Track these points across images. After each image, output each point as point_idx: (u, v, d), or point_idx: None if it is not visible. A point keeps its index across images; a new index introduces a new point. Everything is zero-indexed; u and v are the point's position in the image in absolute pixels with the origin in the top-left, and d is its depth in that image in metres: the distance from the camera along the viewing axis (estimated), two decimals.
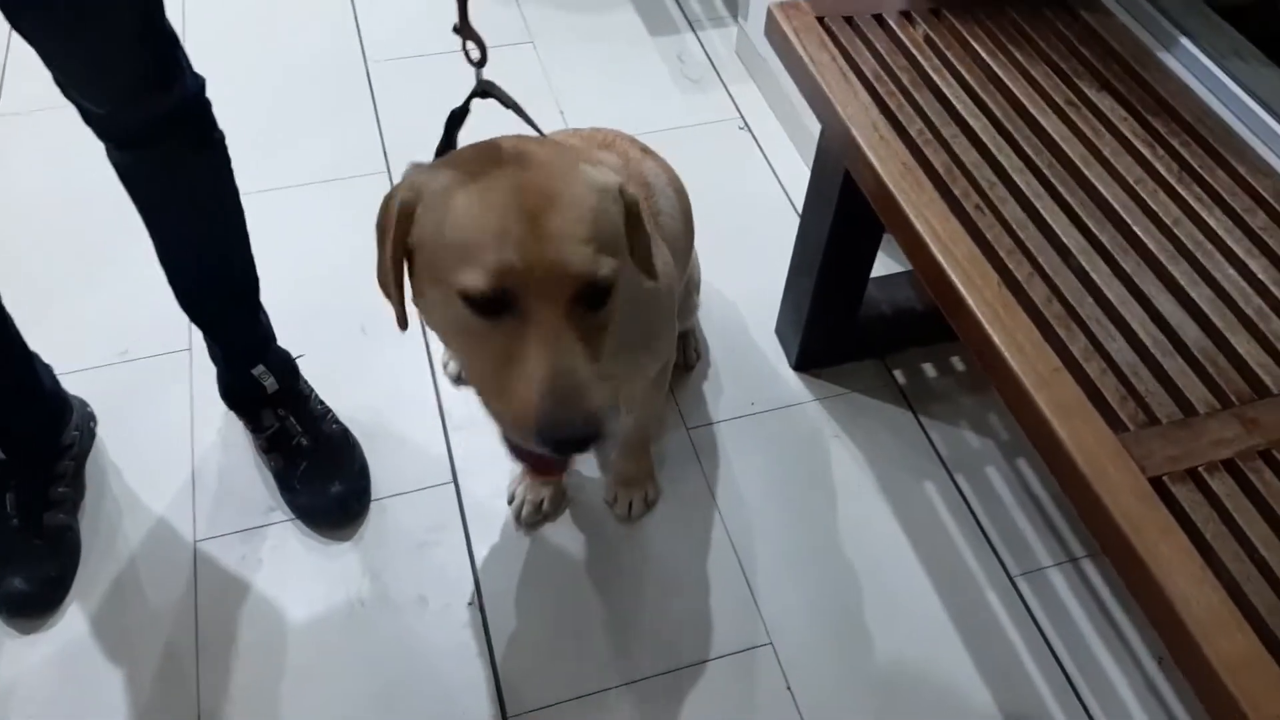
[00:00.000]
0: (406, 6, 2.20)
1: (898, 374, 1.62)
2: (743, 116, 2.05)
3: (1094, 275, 1.06)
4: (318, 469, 1.43)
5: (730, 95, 2.10)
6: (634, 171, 1.17)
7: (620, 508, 1.43)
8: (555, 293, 0.78)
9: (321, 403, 1.50)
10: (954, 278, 1.06)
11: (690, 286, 1.48)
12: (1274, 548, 0.87)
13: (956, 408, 1.57)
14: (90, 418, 1.51)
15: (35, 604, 1.33)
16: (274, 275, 1.44)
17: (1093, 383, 0.98)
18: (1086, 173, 1.17)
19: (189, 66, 1.16)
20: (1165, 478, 0.91)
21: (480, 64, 1.04)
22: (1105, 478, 0.90)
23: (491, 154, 0.85)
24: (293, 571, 1.37)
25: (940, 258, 1.08)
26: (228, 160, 1.26)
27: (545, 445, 0.79)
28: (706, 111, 2.06)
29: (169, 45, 1.12)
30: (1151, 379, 0.98)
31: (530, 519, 1.42)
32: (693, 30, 2.25)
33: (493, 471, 1.47)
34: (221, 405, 1.52)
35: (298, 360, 1.49)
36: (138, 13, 1.06)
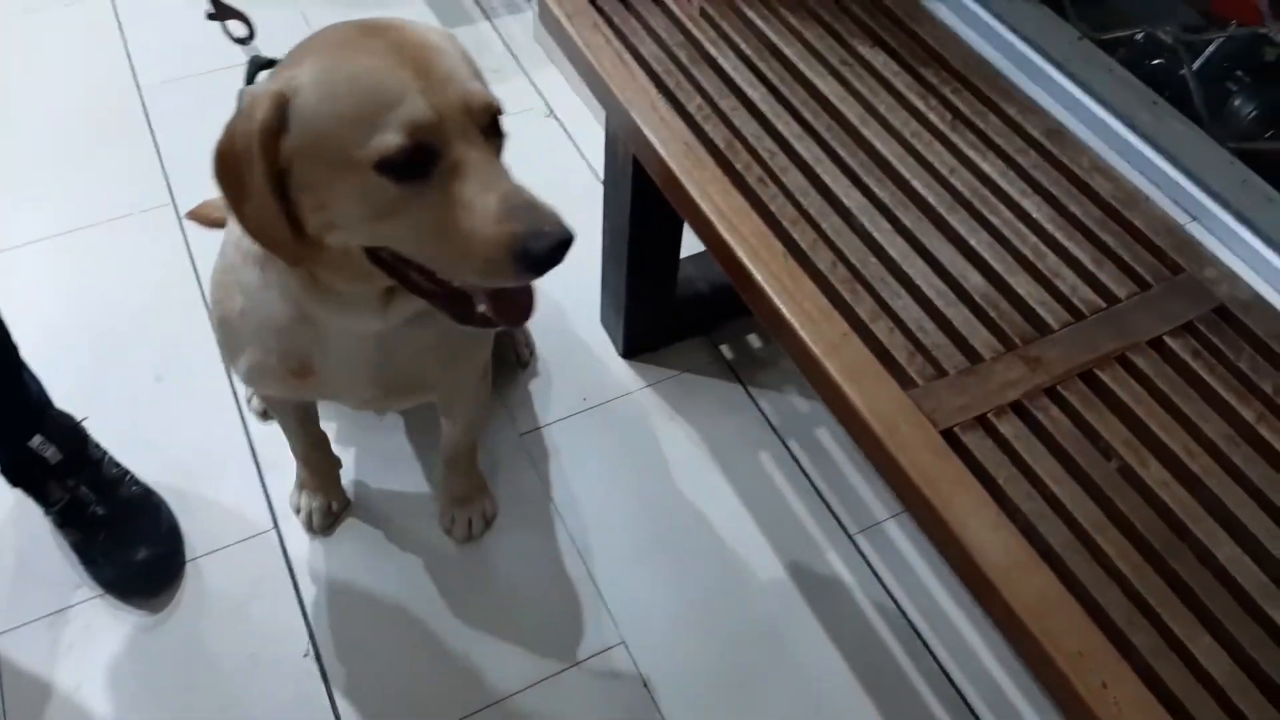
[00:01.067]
0: (179, 21, 2.06)
1: (724, 349, 1.61)
2: (548, 103, 2.01)
3: (876, 235, 1.07)
4: (120, 537, 1.32)
5: (533, 83, 2.05)
6: None
7: (459, 530, 1.37)
8: (469, 130, 0.79)
9: (117, 465, 1.38)
10: (740, 254, 1.05)
11: None
12: (1064, 482, 0.88)
13: (782, 373, 1.57)
14: None
15: None
16: (49, 333, 1.32)
17: (881, 343, 0.98)
18: (864, 132, 1.17)
19: None
20: (956, 428, 0.91)
21: (247, 40, 0.97)
22: (898, 436, 0.90)
23: (341, 32, 0.82)
24: (108, 653, 1.27)
25: (726, 235, 1.06)
26: None
27: (530, 265, 0.79)
28: (511, 101, 1.97)
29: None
30: (937, 331, 0.99)
31: (322, 523, 1.37)
32: (488, 19, 2.19)
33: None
34: (11, 492, 1.39)
35: (83, 423, 1.36)
36: None
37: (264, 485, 1.42)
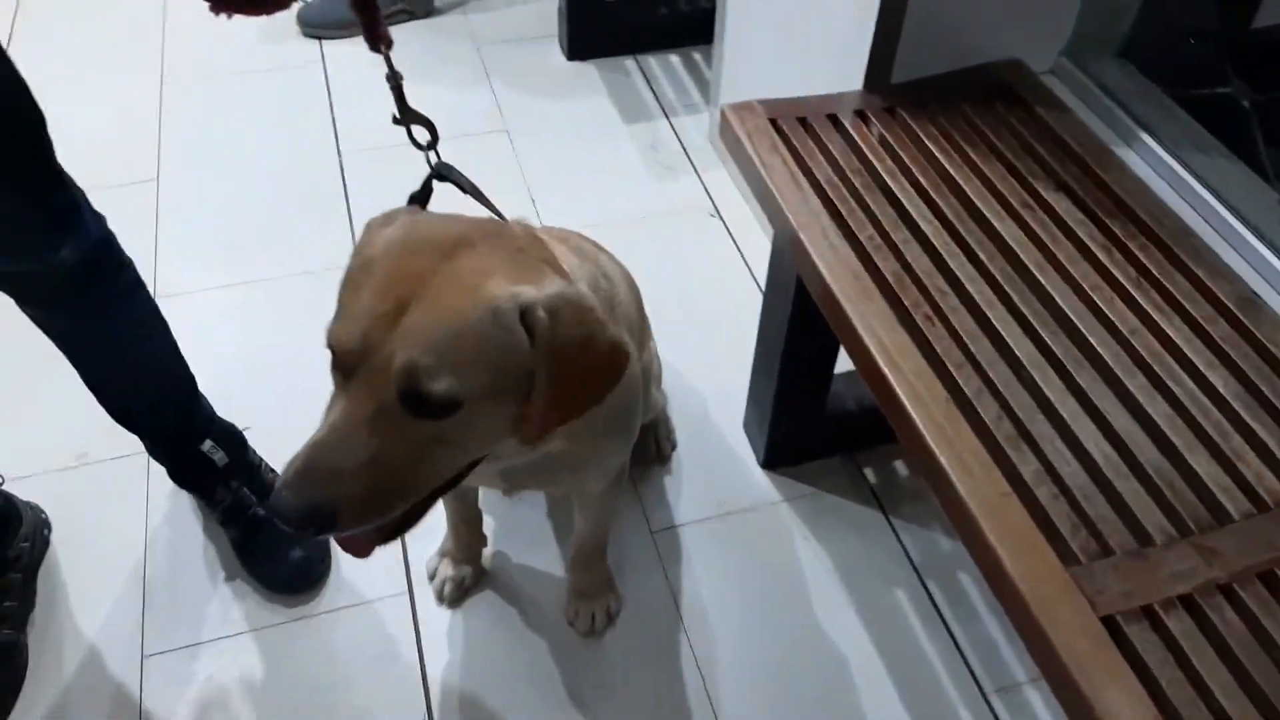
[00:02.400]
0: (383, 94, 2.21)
1: (868, 472, 1.58)
2: (714, 203, 2.04)
3: (1047, 390, 1.03)
4: (276, 537, 1.41)
5: (702, 182, 2.09)
6: (592, 265, 1.13)
7: (582, 623, 1.38)
8: (378, 381, 0.76)
9: (273, 470, 1.49)
10: (900, 393, 1.03)
11: (648, 380, 1.45)
12: (1234, 696, 0.82)
13: (927, 508, 1.52)
14: (44, 525, 1.48)
15: None
16: (222, 366, 1.42)
17: (1043, 509, 0.94)
18: (1041, 280, 1.14)
19: (88, 209, 1.13)
20: (1118, 616, 0.86)
21: (430, 146, 1.02)
22: (1054, 615, 0.86)
23: (435, 229, 0.83)
24: (235, 693, 1.33)
25: (887, 371, 1.05)
26: (145, 292, 1.26)
27: (270, 511, 0.78)
28: (678, 198, 2.05)
29: (64, 193, 1.09)
30: (1105, 505, 0.94)
31: (453, 596, 1.41)
32: (666, 117, 2.26)
33: None
34: (177, 512, 1.50)
35: (245, 432, 1.49)
36: (27, 166, 1.03)
37: (405, 549, 1.47)
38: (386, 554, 1.45)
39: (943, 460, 0.97)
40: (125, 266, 1.23)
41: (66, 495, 1.52)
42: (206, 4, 0.88)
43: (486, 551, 1.46)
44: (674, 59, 2.42)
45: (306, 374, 1.63)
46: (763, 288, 1.85)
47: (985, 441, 0.99)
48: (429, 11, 2.54)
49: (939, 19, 1.37)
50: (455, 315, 0.77)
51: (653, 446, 1.59)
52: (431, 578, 1.43)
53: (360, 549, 0.86)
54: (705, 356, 1.73)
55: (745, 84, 1.97)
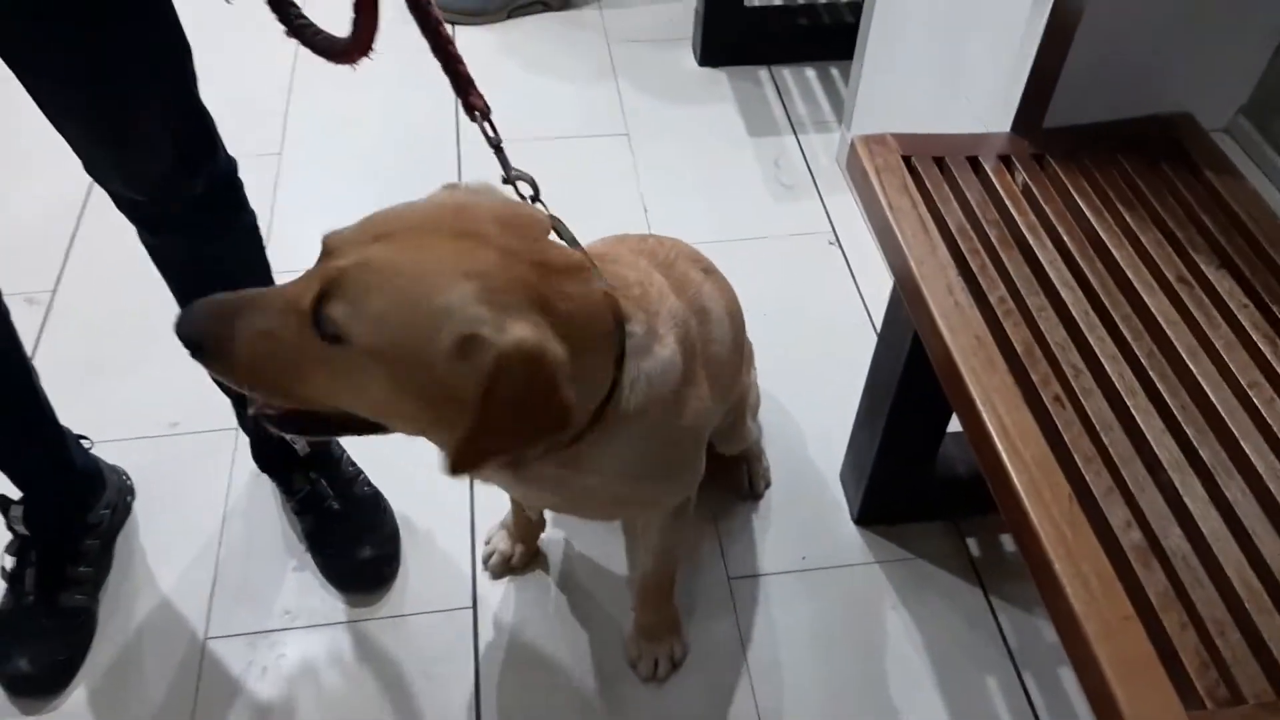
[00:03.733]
0: (505, 85, 2.19)
1: (971, 543, 1.46)
2: (834, 230, 1.94)
3: (1187, 501, 0.91)
4: (349, 532, 1.41)
5: (824, 206, 1.99)
6: (694, 300, 1.06)
7: (644, 667, 1.31)
8: (314, 280, 0.77)
9: (353, 464, 1.48)
10: (1018, 483, 0.92)
11: (742, 411, 1.38)
12: None
13: (1033, 592, 1.39)
14: (128, 492, 1.50)
15: (38, 687, 1.31)
16: None
17: (1169, 639, 0.82)
18: (1192, 367, 1.01)
19: (222, 148, 1.15)
20: None
21: (534, 199, 0.96)
22: None
23: (470, 210, 0.81)
24: (293, 684, 1.31)
25: (1005, 455, 0.95)
26: (258, 238, 1.27)
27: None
28: (797, 221, 1.96)
29: (201, 129, 1.11)
30: (1242, 644, 0.82)
31: (497, 569, 1.41)
32: (794, 133, 2.16)
33: (515, 602, 1.39)
34: (256, 494, 1.50)
35: None
36: (174, 91, 1.05)
37: (474, 562, 1.44)
38: (454, 567, 1.43)
39: (1058, 568, 0.87)
40: (245, 209, 1.24)
41: (154, 462, 1.54)
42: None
43: (545, 535, 1.43)
44: (809, 72, 2.32)
45: None
46: (878, 330, 1.75)
47: (1109, 551, 0.88)
48: (565, 4, 2.50)
49: (1105, 62, 1.24)
50: (403, 279, 0.75)
51: (745, 481, 1.52)
52: (486, 542, 1.43)
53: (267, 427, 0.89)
54: (808, 394, 1.64)
55: (882, 107, 1.86)
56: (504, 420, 0.76)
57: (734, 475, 1.51)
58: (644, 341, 0.89)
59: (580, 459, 0.91)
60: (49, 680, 1.31)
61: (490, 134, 0.97)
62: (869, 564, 1.44)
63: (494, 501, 1.47)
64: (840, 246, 1.91)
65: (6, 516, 1.34)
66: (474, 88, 0.97)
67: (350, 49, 0.96)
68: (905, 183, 1.21)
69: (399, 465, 1.53)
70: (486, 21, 2.44)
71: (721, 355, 1.11)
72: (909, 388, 1.32)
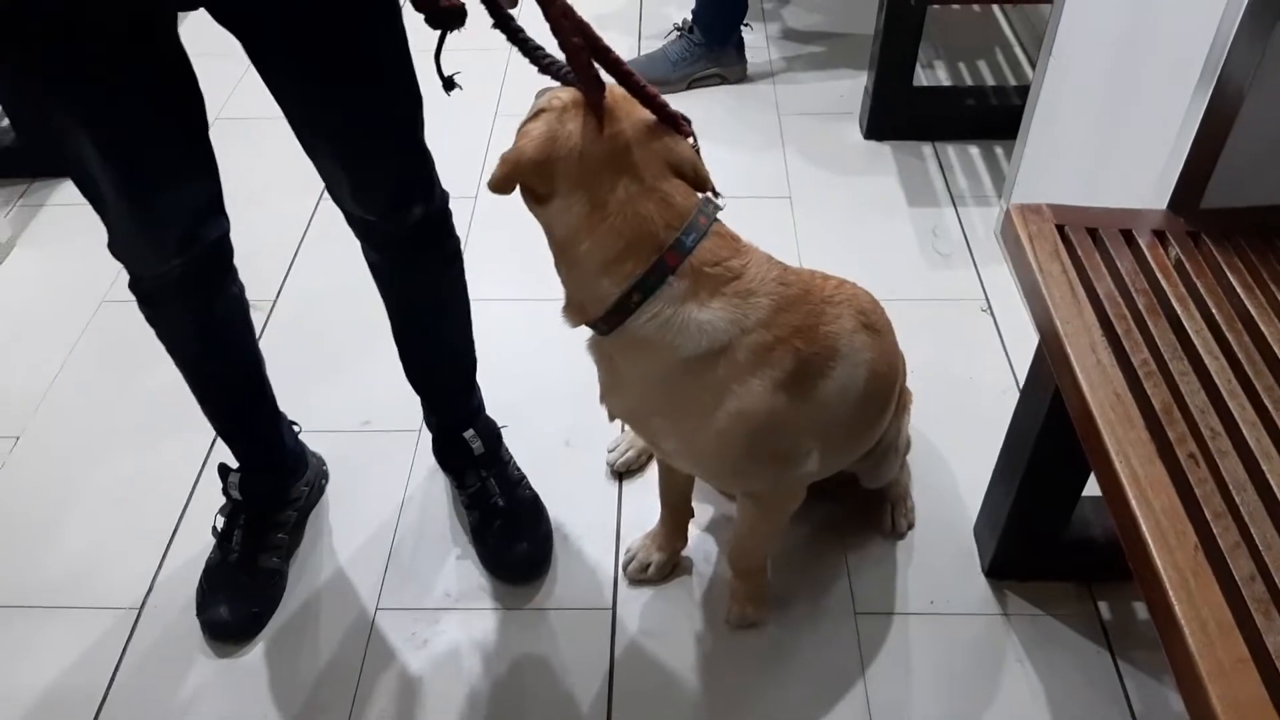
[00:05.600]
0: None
1: (1102, 606, 1.48)
2: (988, 299, 2.00)
3: None
4: (509, 528, 1.57)
5: (979, 275, 2.05)
6: (825, 337, 1.19)
7: (729, 613, 1.47)
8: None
9: (519, 469, 1.64)
10: (1145, 530, 0.97)
11: (888, 449, 1.46)
12: None
13: (1163, 660, 1.39)
14: (323, 475, 1.70)
15: (231, 633, 1.49)
16: (505, 369, 1.59)
17: None
18: None
19: (439, 183, 1.34)
20: None
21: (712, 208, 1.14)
22: None
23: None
24: (446, 660, 1.46)
25: (1135, 504, 1.00)
26: (462, 265, 1.45)
27: None
28: (950, 287, 2.03)
29: (427, 164, 1.30)
30: None
31: (634, 575, 1.53)
32: (953, 205, 2.24)
33: (653, 609, 1.49)
34: (431, 488, 1.67)
35: (502, 429, 1.64)
36: (406, 137, 1.24)
37: (616, 566, 1.55)
38: (598, 572, 1.55)
39: (1178, 610, 0.91)
40: (453, 238, 1.41)
41: (347, 453, 1.74)
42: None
43: (687, 550, 1.55)
44: (973, 150, 2.39)
45: (563, 397, 1.77)
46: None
47: (1231, 601, 0.91)
48: (741, 78, 2.67)
49: (1266, 147, 1.28)
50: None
51: (887, 519, 1.59)
52: (629, 550, 1.55)
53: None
54: (949, 446, 1.70)
55: (1041, 184, 1.92)
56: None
57: (876, 511, 1.59)
58: (677, 294, 1.08)
59: (615, 354, 1.16)
60: (241, 629, 1.50)
61: (695, 145, 1.14)
62: (997, 615, 1.47)
63: (640, 516, 1.59)
64: (992, 314, 1.96)
65: (225, 482, 1.55)
66: (679, 116, 1.12)
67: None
68: (1057, 248, 1.28)
69: (558, 476, 1.67)
70: (667, 90, 2.63)
71: (840, 397, 1.22)
72: (1047, 444, 1.37)
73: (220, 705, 1.42)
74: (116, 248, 1.24)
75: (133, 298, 1.32)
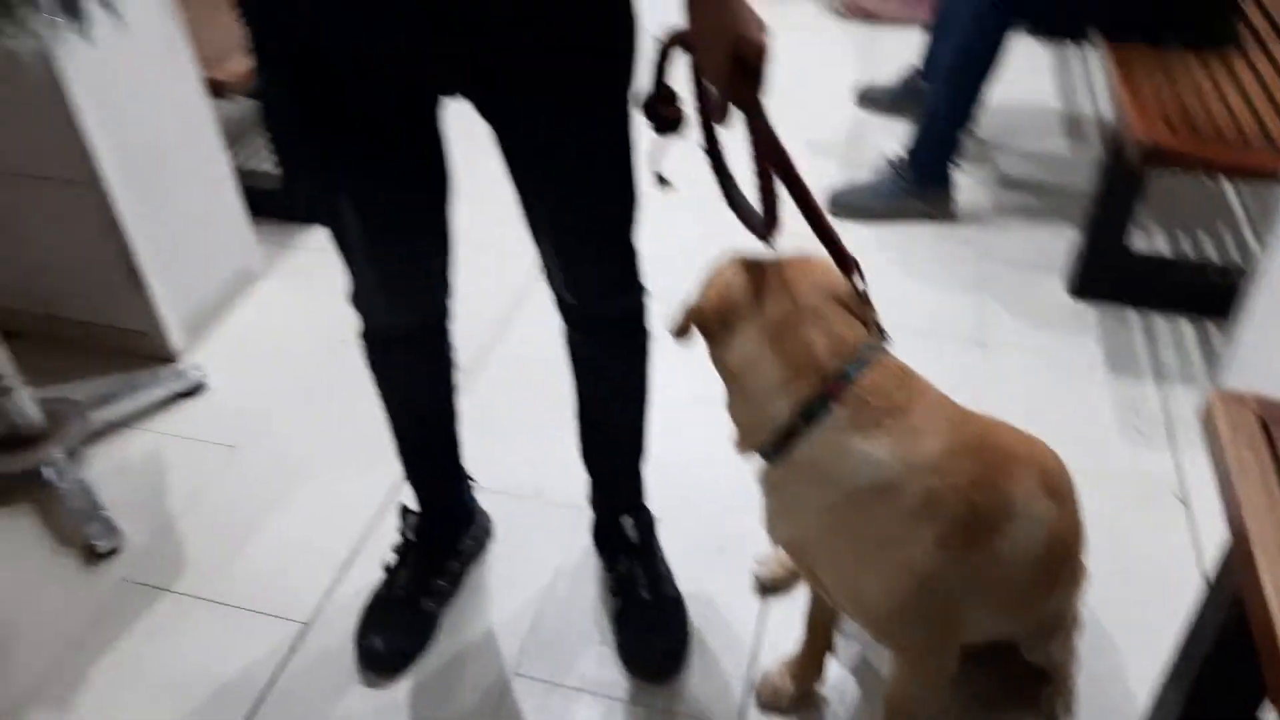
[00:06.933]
0: (881, 279, 2.38)
1: None
2: (1183, 485, 1.90)
3: None
4: (649, 622, 1.60)
5: (1175, 459, 1.96)
6: (998, 494, 1.17)
7: None
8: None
9: (667, 565, 1.67)
10: None
11: (1057, 621, 1.41)
12: None
13: None
14: (488, 533, 1.80)
15: (382, 666, 1.60)
16: (678, 463, 1.67)
17: None
18: None
19: (643, 277, 1.42)
20: None
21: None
22: None
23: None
24: None
25: None
26: (650, 357, 1.52)
27: None
28: (1144, 467, 1.94)
29: (635, 261, 1.39)
30: None
31: (766, 701, 1.52)
32: (1157, 380, 2.15)
33: None
34: (584, 566, 1.74)
35: (658, 522, 1.69)
36: (622, 234, 1.34)
37: (749, 684, 1.56)
38: (730, 687, 1.56)
39: None
40: (648, 333, 1.49)
41: (514, 517, 1.83)
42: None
43: (826, 688, 1.52)
44: (1184, 323, 2.30)
45: (725, 502, 1.81)
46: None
47: None
48: (946, 217, 2.69)
49: None
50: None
51: (1045, 702, 1.51)
52: (764, 675, 1.55)
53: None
54: (1123, 633, 1.62)
55: (1256, 372, 1.83)
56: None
57: (1033, 689, 1.51)
58: (840, 422, 1.10)
59: (781, 482, 1.19)
60: (392, 664, 1.60)
61: (861, 285, 1.18)
62: None
63: (781, 637, 1.60)
64: (1186, 505, 1.86)
65: (403, 522, 1.67)
66: (850, 257, 1.18)
67: (767, 224, 1.18)
68: (1254, 439, 1.23)
69: (705, 580, 1.71)
70: (872, 220, 2.68)
71: (1012, 560, 1.19)
72: (1226, 653, 1.28)
73: None
74: (357, 300, 1.40)
75: (359, 342, 1.47)
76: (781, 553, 1.70)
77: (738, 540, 1.77)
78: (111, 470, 1.97)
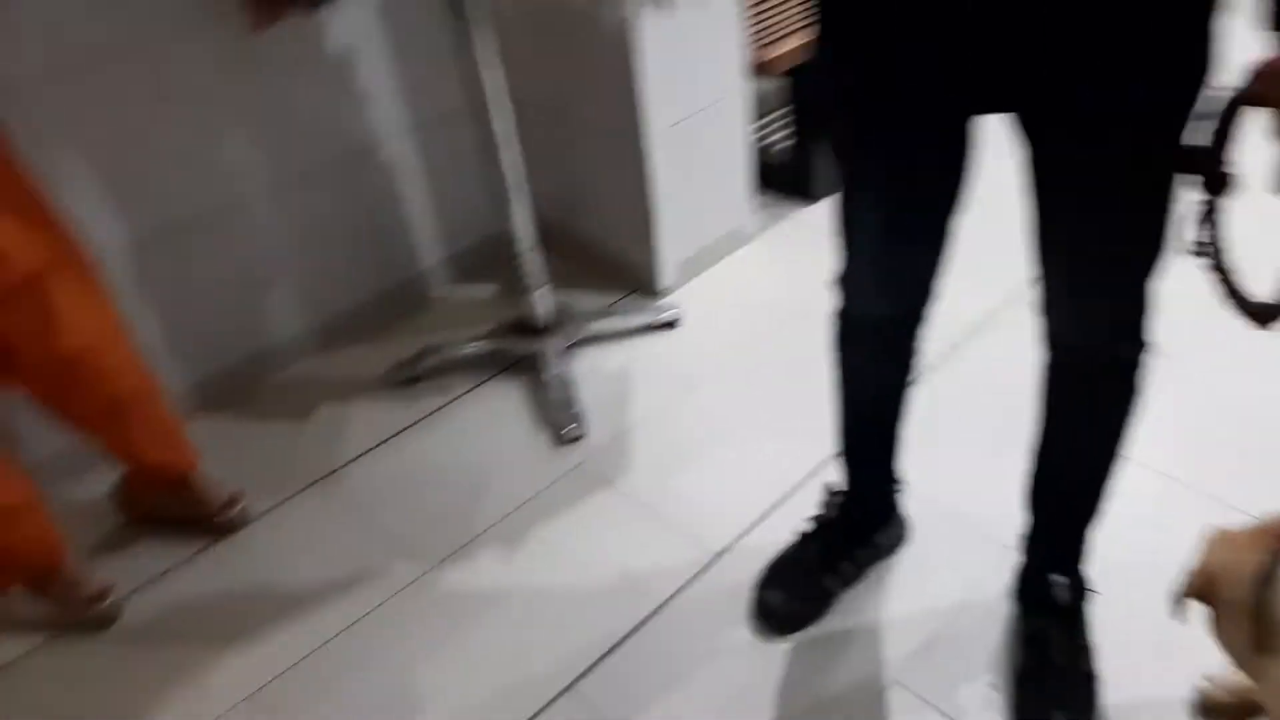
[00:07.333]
0: None
1: None
2: None
3: None
4: (1057, 690, 1.48)
5: None
6: None
7: None
8: None
9: (1091, 639, 1.52)
10: None
11: None
12: None
13: None
14: (902, 538, 1.77)
15: (773, 622, 1.66)
16: (1134, 536, 1.54)
17: None
18: None
19: (1145, 334, 1.29)
20: None
21: None
22: None
23: None
24: None
25: None
26: (1134, 412, 1.37)
27: None
28: None
29: (1148, 311, 1.27)
30: None
31: None
32: None
33: None
34: (991, 607, 1.64)
35: (1090, 593, 1.54)
36: (1144, 281, 1.23)
37: None
38: None
39: None
40: (1133, 384, 1.34)
41: (934, 531, 1.78)
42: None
43: None
44: None
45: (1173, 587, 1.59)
46: None
47: None
48: None
49: None
50: None
51: None
52: None
53: None
54: None
55: None
56: None
57: None
58: None
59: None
60: (782, 622, 1.65)
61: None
62: None
63: None
64: None
65: (827, 498, 1.71)
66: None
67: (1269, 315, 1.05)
68: None
69: (1128, 667, 1.53)
70: None
71: None
72: None
73: (736, 674, 1.59)
74: (844, 282, 1.43)
75: (831, 321, 1.49)
76: (1241, 677, 1.45)
77: (1183, 645, 1.54)
78: (590, 373, 2.26)
